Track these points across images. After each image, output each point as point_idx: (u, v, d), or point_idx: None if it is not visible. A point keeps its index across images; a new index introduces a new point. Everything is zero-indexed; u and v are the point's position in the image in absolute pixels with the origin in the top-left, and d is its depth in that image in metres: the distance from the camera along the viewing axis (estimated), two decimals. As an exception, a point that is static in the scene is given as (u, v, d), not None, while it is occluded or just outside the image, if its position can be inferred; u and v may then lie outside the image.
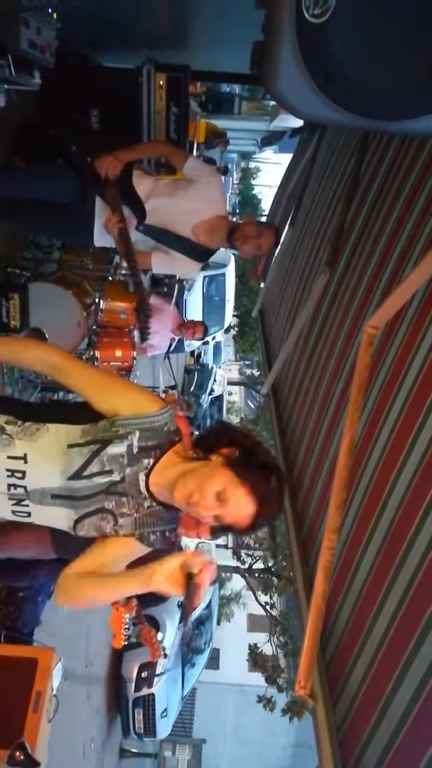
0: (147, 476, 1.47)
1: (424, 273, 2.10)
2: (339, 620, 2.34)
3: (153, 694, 7.73)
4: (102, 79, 3.53)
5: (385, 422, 2.35)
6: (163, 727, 8.29)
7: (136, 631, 8.01)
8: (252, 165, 32.87)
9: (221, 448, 1.44)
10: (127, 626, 2.72)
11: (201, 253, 2.92)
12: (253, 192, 30.16)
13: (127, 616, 2.74)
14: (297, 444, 3.68)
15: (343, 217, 3.55)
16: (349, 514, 2.42)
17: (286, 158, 8.23)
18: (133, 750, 10.04)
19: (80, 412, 1.53)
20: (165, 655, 7.87)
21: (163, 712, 8.06)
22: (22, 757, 2.05)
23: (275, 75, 1.12)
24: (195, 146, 9.31)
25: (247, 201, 28.44)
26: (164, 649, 4.48)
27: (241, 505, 1.37)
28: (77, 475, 1.46)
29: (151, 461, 1.46)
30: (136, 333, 3.64)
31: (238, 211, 24.03)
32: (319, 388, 3.41)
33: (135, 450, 1.46)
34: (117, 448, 1.45)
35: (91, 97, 3.45)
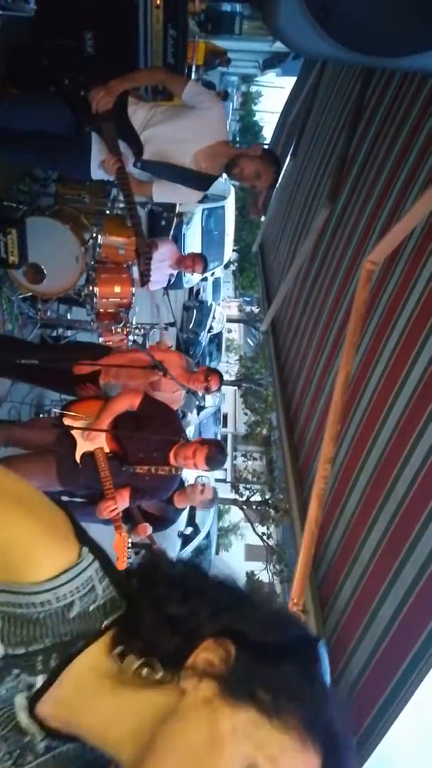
0: (32, 703, 0.69)
1: (423, 209, 2.09)
2: (330, 544, 2.48)
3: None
4: (96, -1, 3.35)
5: (380, 357, 2.40)
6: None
7: (138, 558, 8.36)
8: (253, 89, 31.41)
9: (201, 638, 0.68)
10: (129, 549, 2.88)
11: (203, 181, 2.85)
12: (255, 118, 28.95)
13: (129, 540, 2.89)
14: (294, 379, 3.75)
15: (345, 149, 3.48)
16: (343, 446, 2.51)
17: (289, 82, 7.89)
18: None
19: None
20: None
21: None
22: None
23: (275, 11, 1.09)
24: (194, 69, 8.90)
25: (248, 128, 27.34)
26: None
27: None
28: None
29: (42, 678, 0.68)
30: (135, 270, 3.62)
31: (238, 139, 23.13)
32: (318, 324, 3.44)
33: None
34: None
35: (85, 20, 3.29)
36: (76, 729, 0.68)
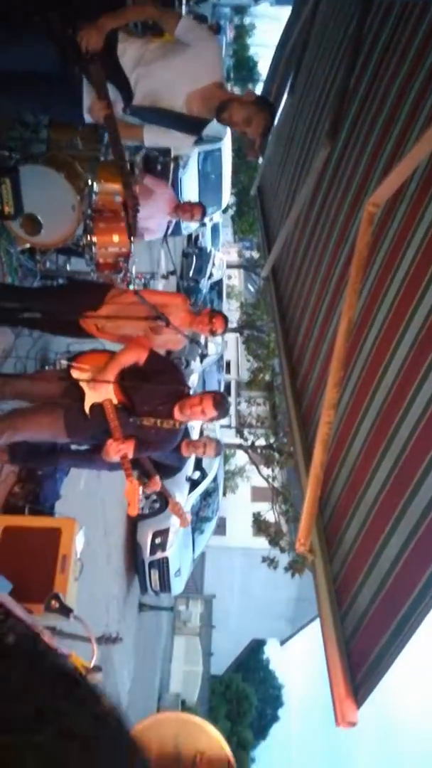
0: None
1: (426, 147, 2.04)
2: (335, 486, 2.54)
3: (167, 557, 8.46)
4: None
5: (382, 302, 2.39)
6: (177, 585, 9.15)
7: (148, 503, 8.54)
8: (247, 21, 29.88)
9: None
10: (141, 497, 2.97)
11: (194, 126, 2.77)
12: (249, 53, 27.64)
13: (141, 489, 2.98)
14: (297, 325, 3.74)
15: (344, 83, 3.35)
16: (346, 391, 2.54)
17: (285, 12, 7.50)
18: (151, 605, 11.16)
19: None
20: (188, 523, 8.58)
21: (176, 572, 8.87)
22: (57, 605, 2.34)
23: None
24: (184, 0, 8.44)
25: (242, 63, 26.14)
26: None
27: None
28: None
29: None
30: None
31: (232, 75, 22.16)
32: (319, 269, 3.40)
33: None
34: None
35: None
36: None
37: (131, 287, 3.75)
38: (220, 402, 2.96)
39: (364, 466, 2.32)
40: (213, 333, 3.46)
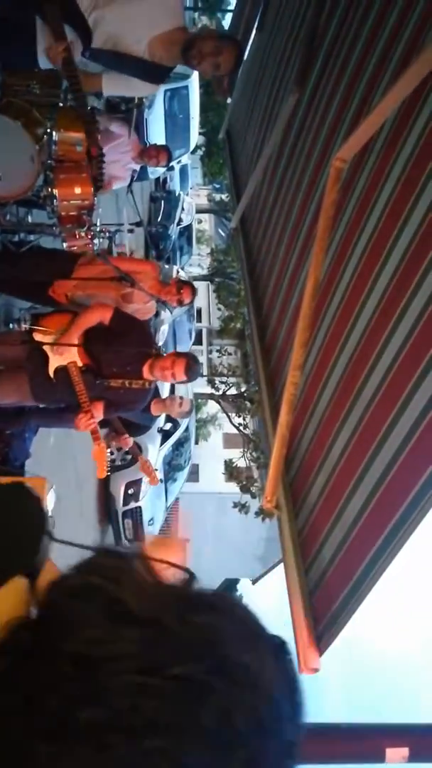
0: None
1: (391, 103, 1.98)
2: (301, 444, 2.59)
3: (140, 507, 8.61)
4: None
5: (349, 261, 2.38)
6: (151, 533, 9.34)
7: (120, 455, 8.56)
8: None
9: None
10: (109, 454, 2.98)
11: (157, 73, 2.65)
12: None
13: (114, 443, 2.99)
14: (265, 280, 3.70)
15: (314, 20, 3.21)
16: (312, 351, 2.55)
17: None
18: (125, 552, 11.40)
19: None
20: (161, 481, 8.69)
21: (149, 521, 9.04)
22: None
23: None
24: None
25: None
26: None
27: None
28: None
29: None
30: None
31: (200, 5, 20.93)
32: (287, 223, 3.35)
33: None
34: None
35: None
36: None
37: (95, 241, 3.64)
38: (191, 367, 2.97)
39: (329, 424, 2.36)
40: (180, 303, 3.44)
